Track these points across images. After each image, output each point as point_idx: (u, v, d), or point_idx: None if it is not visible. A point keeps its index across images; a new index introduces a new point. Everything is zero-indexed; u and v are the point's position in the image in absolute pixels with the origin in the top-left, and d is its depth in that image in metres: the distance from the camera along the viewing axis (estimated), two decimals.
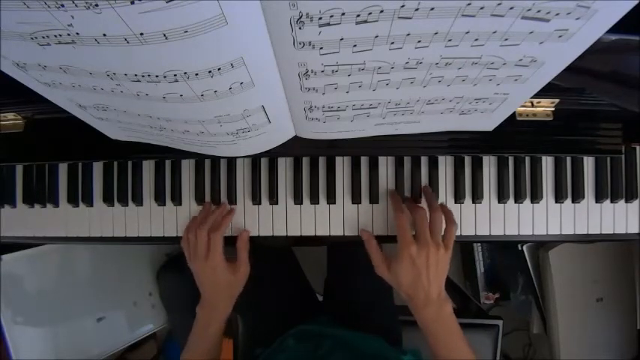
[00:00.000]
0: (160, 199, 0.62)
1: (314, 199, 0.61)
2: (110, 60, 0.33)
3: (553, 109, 0.57)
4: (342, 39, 0.32)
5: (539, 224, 0.60)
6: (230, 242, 0.60)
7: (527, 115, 0.57)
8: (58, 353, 0.94)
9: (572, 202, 0.61)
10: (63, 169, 0.64)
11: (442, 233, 0.54)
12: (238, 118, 0.43)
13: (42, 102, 0.42)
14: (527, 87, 0.41)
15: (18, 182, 0.65)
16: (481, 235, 0.61)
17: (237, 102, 0.40)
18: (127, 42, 0.29)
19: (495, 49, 0.34)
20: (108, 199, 0.63)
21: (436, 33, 0.32)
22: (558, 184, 0.60)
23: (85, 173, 0.64)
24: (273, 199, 0.61)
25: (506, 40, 0.33)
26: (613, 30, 0.31)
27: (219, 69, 0.34)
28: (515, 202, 0.60)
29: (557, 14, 0.29)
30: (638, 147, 0.61)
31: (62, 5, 0.26)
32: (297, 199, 0.61)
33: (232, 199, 0.61)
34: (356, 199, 0.60)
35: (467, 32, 0.32)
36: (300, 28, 0.30)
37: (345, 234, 0.61)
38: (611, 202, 0.61)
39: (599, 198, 0.60)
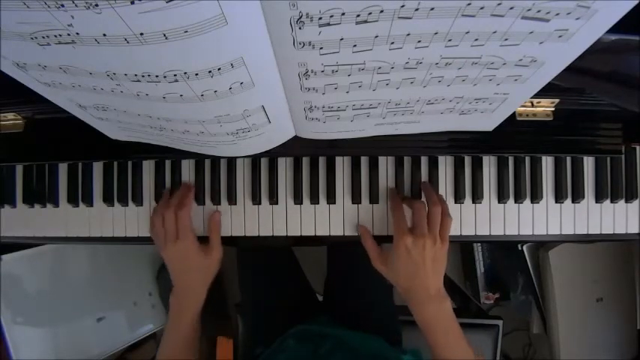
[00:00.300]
0: (160, 199, 0.62)
1: (314, 199, 0.61)
2: (110, 60, 0.33)
3: (553, 109, 0.57)
4: (342, 39, 0.32)
5: (539, 224, 0.60)
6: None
7: (527, 115, 0.57)
8: (58, 353, 0.95)
9: (572, 202, 0.61)
10: (63, 169, 0.64)
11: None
12: (238, 118, 0.43)
13: (42, 102, 0.42)
14: (527, 87, 0.41)
15: (18, 182, 0.65)
16: (481, 235, 0.61)
17: (237, 102, 0.40)
18: (127, 42, 0.29)
19: (495, 49, 0.34)
20: (108, 199, 0.63)
21: (436, 33, 0.32)
22: (558, 184, 0.60)
23: (85, 173, 0.63)
24: (273, 199, 0.61)
25: (506, 40, 0.33)
26: (613, 30, 0.31)
27: (219, 69, 0.34)
28: (515, 202, 0.60)
29: (557, 14, 0.29)
30: (638, 147, 0.61)
31: (62, 5, 0.26)
32: (297, 199, 0.61)
33: (232, 199, 0.61)
34: (356, 199, 0.60)
35: (467, 32, 0.32)
36: (300, 28, 0.30)
37: (345, 234, 0.61)
38: (611, 202, 0.61)
39: (599, 198, 0.60)
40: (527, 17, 0.30)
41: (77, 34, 0.29)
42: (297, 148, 0.56)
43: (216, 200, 0.61)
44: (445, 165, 0.61)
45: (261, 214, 0.61)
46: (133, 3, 0.26)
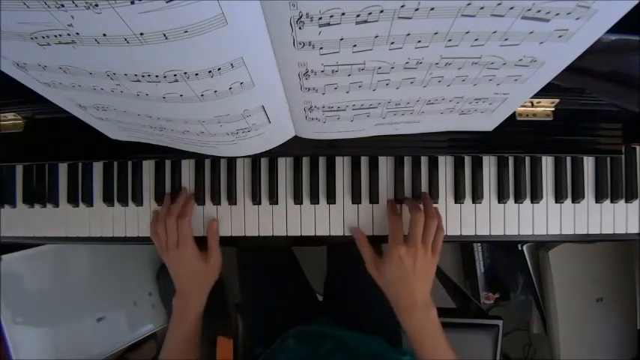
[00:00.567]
0: (160, 199, 0.62)
1: (314, 199, 0.61)
2: (110, 60, 0.33)
3: (553, 109, 0.57)
4: (342, 39, 0.32)
5: (539, 224, 0.60)
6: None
7: (527, 115, 0.57)
8: (58, 353, 0.94)
9: (572, 202, 0.61)
10: (63, 169, 0.64)
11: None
12: (238, 118, 0.43)
13: (42, 102, 0.42)
14: (527, 87, 0.41)
15: (18, 182, 0.65)
16: (481, 235, 0.61)
17: (237, 102, 0.40)
18: (127, 42, 0.29)
19: (495, 49, 0.34)
20: (108, 199, 0.63)
21: (436, 33, 0.32)
22: (558, 184, 0.60)
23: (85, 173, 0.63)
24: (273, 199, 0.61)
25: (506, 40, 0.33)
26: (613, 30, 0.31)
27: (219, 69, 0.34)
28: (515, 202, 0.60)
29: (557, 14, 0.29)
30: (638, 147, 0.61)
31: (62, 5, 0.26)
32: (297, 199, 0.61)
33: (232, 199, 0.61)
34: (356, 199, 0.60)
35: (467, 32, 0.32)
36: (300, 28, 0.30)
37: (345, 234, 0.61)
38: (611, 202, 0.61)
39: (599, 198, 0.60)
40: (527, 17, 0.30)
41: (77, 34, 0.29)
42: (297, 148, 0.56)
43: (216, 200, 0.61)
44: (445, 165, 0.61)
45: (261, 214, 0.62)
46: (133, 3, 0.26)
